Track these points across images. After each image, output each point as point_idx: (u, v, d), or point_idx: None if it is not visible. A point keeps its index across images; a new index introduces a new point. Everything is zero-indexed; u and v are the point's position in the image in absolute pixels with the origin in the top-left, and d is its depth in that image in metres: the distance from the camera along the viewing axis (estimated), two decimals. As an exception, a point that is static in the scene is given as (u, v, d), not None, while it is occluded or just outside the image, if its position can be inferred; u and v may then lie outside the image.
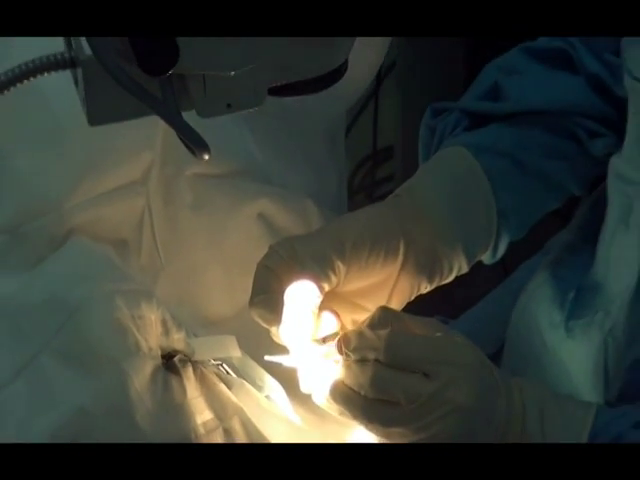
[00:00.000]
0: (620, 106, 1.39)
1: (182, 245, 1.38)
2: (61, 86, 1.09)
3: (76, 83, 1.04)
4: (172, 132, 1.18)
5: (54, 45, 1.07)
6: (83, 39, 1.00)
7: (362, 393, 1.14)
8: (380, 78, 1.89)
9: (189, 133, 1.01)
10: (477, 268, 1.42)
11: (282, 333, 1.22)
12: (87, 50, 0.99)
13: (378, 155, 2.28)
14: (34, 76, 1.02)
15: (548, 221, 1.51)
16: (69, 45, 1.04)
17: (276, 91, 1.08)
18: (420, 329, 1.22)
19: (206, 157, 1.03)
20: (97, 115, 1.04)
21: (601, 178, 1.46)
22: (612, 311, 1.34)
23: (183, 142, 1.03)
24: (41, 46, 1.07)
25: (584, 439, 1.18)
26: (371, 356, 1.15)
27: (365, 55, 1.36)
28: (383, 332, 1.16)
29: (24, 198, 1.34)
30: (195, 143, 1.01)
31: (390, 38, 1.57)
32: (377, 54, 1.53)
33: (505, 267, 1.52)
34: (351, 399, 1.16)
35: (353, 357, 1.16)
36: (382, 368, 1.15)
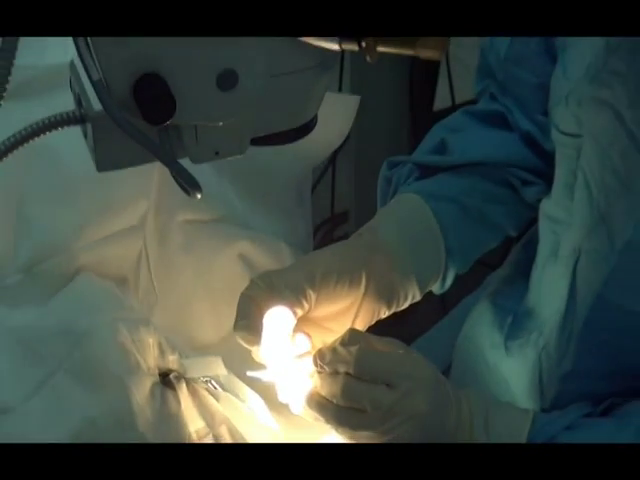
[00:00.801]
0: (548, 158, 1.46)
1: (174, 281, 1.44)
2: (70, 142, 1.15)
3: (85, 136, 1.11)
4: (165, 183, 1.27)
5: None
6: (93, 98, 1.06)
7: (334, 401, 1.23)
8: (336, 150, 1.91)
9: (184, 174, 1.06)
10: (419, 304, 1.48)
11: (262, 353, 1.30)
12: (96, 107, 1.06)
13: (335, 218, 2.34)
14: (49, 131, 1.09)
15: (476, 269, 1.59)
16: (79, 104, 1.11)
17: (257, 141, 1.16)
18: (384, 347, 1.29)
19: (199, 196, 1.08)
20: (104, 162, 1.11)
21: (532, 221, 1.54)
22: (544, 332, 1.40)
23: (178, 183, 1.09)
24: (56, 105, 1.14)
25: (523, 440, 1.26)
26: (342, 369, 1.23)
27: (333, 122, 1.40)
28: (353, 349, 1.24)
29: (38, 241, 1.39)
30: (189, 183, 1.07)
31: (356, 111, 1.61)
32: (343, 124, 1.58)
33: (444, 305, 1.60)
34: (325, 407, 1.24)
35: (327, 370, 1.24)
36: (351, 380, 1.22)
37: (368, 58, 1.09)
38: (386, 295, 1.40)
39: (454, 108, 1.84)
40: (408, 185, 1.51)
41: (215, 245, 1.49)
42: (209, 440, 1.32)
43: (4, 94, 0.97)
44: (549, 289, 1.43)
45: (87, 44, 1.05)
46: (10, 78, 0.96)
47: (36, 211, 1.43)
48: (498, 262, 1.65)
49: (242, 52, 1.07)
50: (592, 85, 1.31)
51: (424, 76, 2.26)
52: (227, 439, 1.32)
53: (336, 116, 1.38)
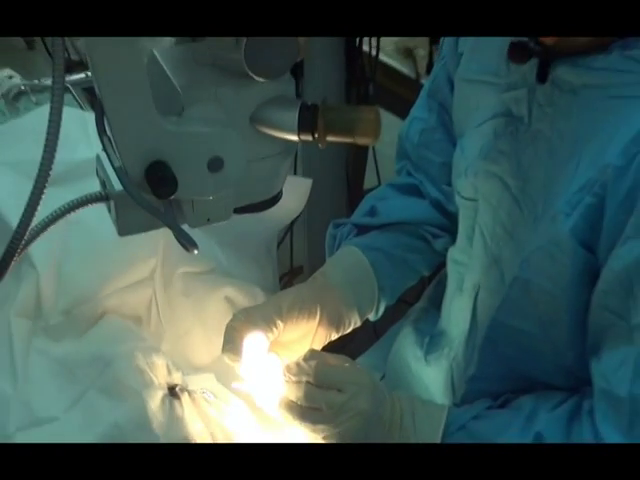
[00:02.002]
0: (452, 218, 1.47)
1: (177, 318, 1.42)
2: (97, 214, 1.13)
3: (109, 210, 1.10)
4: (169, 244, 1.27)
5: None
6: (115, 181, 1.06)
7: (299, 403, 1.22)
8: (293, 221, 1.91)
9: (184, 235, 1.05)
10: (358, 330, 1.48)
11: (242, 369, 1.29)
12: (117, 187, 1.06)
13: (294, 270, 2.34)
14: (82, 207, 1.09)
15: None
16: (104, 186, 1.11)
17: (237, 210, 1.15)
18: (335, 361, 1.28)
19: (195, 252, 1.06)
20: (124, 229, 1.10)
21: (440, 265, 1.55)
22: (454, 347, 1.41)
23: (180, 242, 1.06)
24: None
25: (441, 429, 1.25)
26: (304, 379, 1.23)
27: (293, 197, 1.39)
28: (312, 363, 1.24)
29: (73, 292, 1.37)
30: (188, 242, 1.05)
31: (309, 191, 1.61)
32: (300, 199, 1.58)
33: (376, 331, 1.60)
34: (292, 407, 1.23)
35: (293, 379, 1.24)
36: (311, 387, 1.22)
37: (320, 145, 1.09)
38: (335, 322, 1.40)
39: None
40: (349, 240, 1.52)
41: (207, 290, 1.47)
42: (207, 438, 1.30)
43: (47, 183, 0.96)
44: (456, 315, 1.43)
45: (110, 141, 1.04)
46: (51, 172, 0.94)
47: (71, 268, 1.41)
48: (416, 296, 1.62)
49: (226, 143, 1.06)
50: (484, 161, 1.32)
51: (356, 163, 2.28)
52: (219, 436, 1.31)
53: (295, 193, 1.38)
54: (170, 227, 1.07)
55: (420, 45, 2.53)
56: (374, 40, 2.15)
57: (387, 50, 2.46)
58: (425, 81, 2.10)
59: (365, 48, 2.17)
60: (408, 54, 2.54)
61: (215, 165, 1.07)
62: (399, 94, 2.40)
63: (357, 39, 2.11)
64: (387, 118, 2.33)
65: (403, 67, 2.49)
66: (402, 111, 2.27)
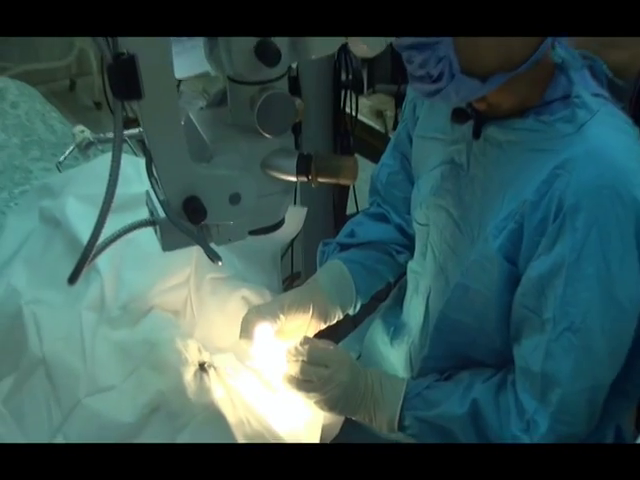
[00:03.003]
0: (411, 238, 1.47)
1: (206, 312, 1.42)
2: (147, 234, 1.11)
3: (155, 232, 1.09)
4: (200, 256, 1.27)
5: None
6: (160, 211, 1.06)
7: (297, 377, 1.24)
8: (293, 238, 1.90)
9: (211, 251, 1.05)
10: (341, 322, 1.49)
11: (254, 351, 1.32)
12: (161, 215, 1.06)
13: (293, 275, 2.33)
14: (135, 229, 1.09)
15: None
16: (151, 214, 1.10)
17: (251, 232, 1.16)
18: (323, 345, 1.29)
19: (220, 263, 1.06)
20: (167, 246, 1.10)
21: (402, 274, 1.53)
22: (412, 335, 1.42)
23: (208, 256, 1.06)
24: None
25: (402, 396, 1.27)
26: (300, 359, 1.24)
27: (292, 222, 1.38)
28: (306, 347, 1.26)
29: (129, 292, 1.37)
30: (214, 256, 1.05)
31: (305, 217, 1.57)
32: (298, 222, 1.55)
33: (354, 322, 1.59)
34: (292, 380, 1.25)
35: (292, 359, 1.25)
36: (305, 364, 1.24)
37: (313, 185, 1.10)
38: (324, 316, 1.40)
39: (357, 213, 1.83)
40: (334, 255, 1.51)
41: (228, 291, 1.46)
42: (227, 402, 1.27)
43: (109, 211, 0.96)
44: (414, 311, 1.43)
45: (156, 180, 1.05)
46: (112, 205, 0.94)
47: (127, 274, 1.41)
48: (384, 296, 1.61)
49: (243, 183, 1.07)
50: (434, 197, 1.32)
51: (340, 195, 2.27)
52: (237, 401, 1.27)
53: (294, 218, 1.38)
54: (201, 245, 1.07)
55: (388, 108, 2.53)
56: (354, 103, 2.16)
57: (364, 111, 2.47)
58: (392, 135, 2.11)
59: (347, 109, 2.18)
60: (379, 114, 2.54)
61: (235, 199, 1.07)
62: (372, 145, 2.41)
63: (341, 103, 2.12)
64: (363, 162, 2.34)
65: (375, 124, 2.49)
66: (375, 157, 2.28)
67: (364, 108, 2.47)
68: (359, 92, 2.06)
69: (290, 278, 2.32)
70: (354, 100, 2.11)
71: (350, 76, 2.09)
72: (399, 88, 2.42)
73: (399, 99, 2.43)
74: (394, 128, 2.45)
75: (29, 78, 3.97)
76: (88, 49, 4.14)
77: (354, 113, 2.11)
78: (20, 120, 2.11)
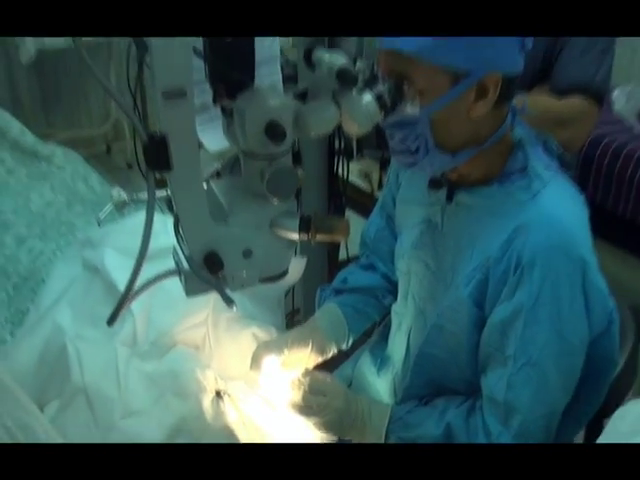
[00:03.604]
0: (395, 285, 1.44)
1: (221, 347, 1.41)
2: (174, 283, 1.11)
3: (181, 280, 1.08)
4: (217, 301, 1.26)
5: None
6: (185, 263, 1.06)
7: (299, 403, 1.24)
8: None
9: (226, 297, 1.06)
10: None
11: (262, 380, 1.32)
12: (186, 267, 1.06)
13: (294, 311, 2.31)
14: (164, 279, 1.11)
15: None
16: (177, 265, 1.09)
17: (260, 280, 1.13)
18: (321, 376, 1.29)
19: (235, 309, 1.09)
20: (190, 292, 1.08)
21: (387, 313, 1.50)
22: (396, 366, 1.40)
23: (223, 300, 1.07)
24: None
25: (387, 420, 1.25)
26: (302, 388, 1.24)
27: (294, 270, 1.33)
28: (307, 378, 1.26)
29: (157, 330, 1.38)
30: (229, 301, 1.07)
31: (305, 265, 1.58)
32: (299, 270, 1.55)
33: (347, 354, 1.57)
34: (295, 406, 1.24)
35: (296, 388, 1.25)
36: (306, 393, 1.24)
37: (312, 242, 1.10)
38: (321, 351, 1.39)
39: (349, 261, 1.82)
40: (330, 299, 1.49)
41: (241, 329, 1.45)
42: (240, 424, 1.27)
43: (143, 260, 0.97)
44: (397, 346, 1.41)
45: (181, 237, 1.05)
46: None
47: (156, 315, 1.41)
48: (371, 333, 1.60)
49: (255, 240, 1.08)
50: (414, 250, 1.32)
51: (333, 244, 2.26)
52: (248, 424, 1.28)
53: (296, 266, 1.37)
54: (218, 291, 1.08)
55: (374, 170, 2.54)
56: (345, 167, 2.16)
57: (353, 173, 2.46)
58: (377, 193, 2.13)
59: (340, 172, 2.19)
60: (366, 176, 2.55)
61: (247, 254, 1.08)
62: (361, 202, 2.41)
63: (335, 167, 2.12)
64: (353, 217, 2.36)
65: (363, 184, 2.50)
66: (363, 212, 2.30)
67: (354, 171, 2.48)
68: (350, 158, 2.07)
69: (291, 313, 2.30)
70: (345, 165, 2.11)
71: (342, 145, 2.10)
72: (383, 154, 2.44)
73: (383, 163, 2.45)
74: (379, 187, 2.46)
75: (72, 143, 4.00)
76: (122, 119, 4.17)
77: (345, 176, 2.11)
78: (65, 181, 2.12)
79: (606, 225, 2.49)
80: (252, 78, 1.04)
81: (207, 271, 1.05)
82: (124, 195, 1.86)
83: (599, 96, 1.58)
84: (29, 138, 2.26)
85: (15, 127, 2.27)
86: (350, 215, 2.32)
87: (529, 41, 1.09)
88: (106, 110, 4.29)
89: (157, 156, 0.94)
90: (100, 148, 4.34)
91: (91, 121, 4.30)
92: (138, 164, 0.82)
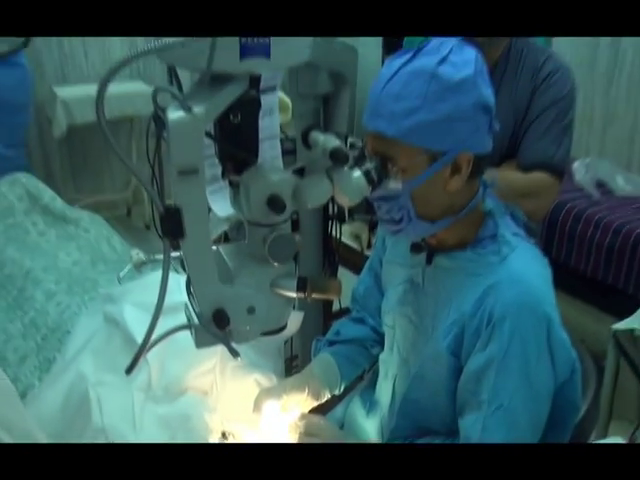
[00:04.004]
0: (382, 336, 1.41)
1: (227, 392, 1.39)
2: (186, 336, 1.10)
3: (191, 333, 1.08)
4: (224, 352, 1.20)
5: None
6: (195, 319, 1.05)
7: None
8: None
9: (232, 349, 1.07)
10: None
11: (263, 422, 1.29)
12: (196, 322, 1.06)
13: (292, 357, 2.29)
14: (176, 332, 1.09)
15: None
16: (189, 320, 1.09)
17: (262, 334, 1.14)
18: (315, 419, 1.27)
19: (239, 358, 1.09)
20: (200, 344, 1.09)
21: (375, 362, 1.48)
22: (383, 410, 1.38)
23: (229, 351, 1.08)
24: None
25: None
26: (299, 430, 1.23)
27: (291, 325, 1.30)
28: (303, 421, 1.24)
29: (170, 377, 1.37)
30: (234, 352, 1.08)
31: (302, 318, 1.56)
32: (296, 324, 1.53)
33: (340, 397, 1.55)
34: None
35: (293, 431, 1.23)
36: (302, 435, 1.22)
37: (308, 300, 1.11)
38: (316, 396, 1.36)
39: (342, 312, 1.81)
40: (324, 349, 1.48)
41: (244, 376, 1.44)
42: None
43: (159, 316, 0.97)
44: (384, 391, 1.40)
45: (192, 296, 1.06)
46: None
47: (169, 363, 1.40)
48: (361, 379, 1.56)
49: (257, 299, 1.08)
50: (399, 306, 1.32)
51: (326, 302, 2.23)
52: None
53: (294, 320, 1.37)
54: (224, 344, 1.08)
55: (363, 232, 2.57)
56: (338, 230, 2.17)
57: (345, 235, 2.47)
58: (367, 252, 2.13)
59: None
60: (357, 237, 2.58)
61: (251, 310, 1.08)
62: (352, 260, 2.43)
63: (329, 229, 2.13)
64: (345, 273, 2.36)
65: (354, 244, 2.52)
66: (354, 269, 2.32)
67: (345, 233, 2.49)
68: (342, 221, 2.08)
69: (290, 359, 2.28)
70: (338, 227, 2.12)
71: (335, 210, 2.11)
72: (371, 218, 2.47)
73: (372, 226, 2.48)
74: (368, 247, 2.49)
75: (97, 206, 4.04)
76: (141, 186, 4.22)
77: (338, 237, 2.12)
78: (90, 242, 2.13)
79: (569, 280, 2.53)
80: (256, 156, 1.06)
81: (215, 326, 1.05)
82: (142, 256, 1.87)
83: (559, 172, 1.61)
84: (59, 203, 2.29)
85: (47, 194, 2.30)
86: (342, 271, 2.31)
87: (496, 124, 1.12)
88: (127, 178, 4.35)
89: (172, 226, 0.95)
90: (121, 211, 4.39)
91: (114, 187, 4.35)
92: (155, 226, 0.84)
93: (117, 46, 4.12)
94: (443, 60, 1.05)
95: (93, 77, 4.05)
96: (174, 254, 1.05)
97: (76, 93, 3.67)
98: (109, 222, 2.48)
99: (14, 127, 3.16)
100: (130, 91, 3.71)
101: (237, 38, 0.87)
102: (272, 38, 0.88)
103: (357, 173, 1.06)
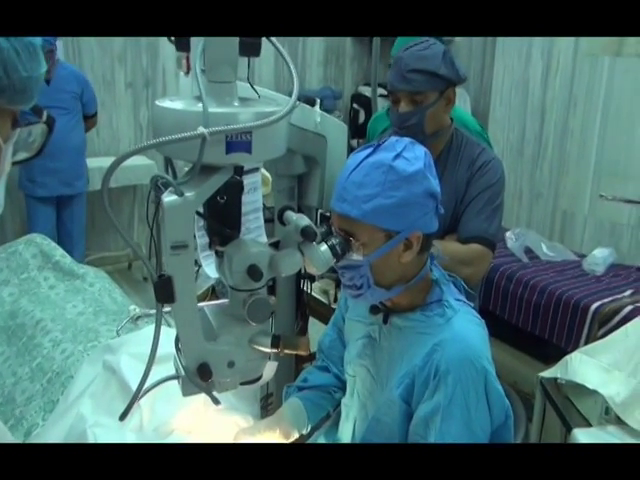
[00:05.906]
0: (344, 383, 1.38)
1: (209, 432, 1.33)
2: (173, 384, 1.08)
3: (179, 382, 1.05)
4: (206, 399, 1.14)
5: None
6: (181, 370, 1.02)
7: None
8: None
9: (213, 397, 1.06)
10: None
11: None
12: (182, 374, 1.03)
13: (267, 395, 2.23)
14: (166, 381, 1.07)
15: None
16: (177, 371, 1.06)
17: (241, 384, 1.10)
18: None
19: (220, 405, 1.08)
20: (186, 392, 1.06)
21: (337, 405, 1.42)
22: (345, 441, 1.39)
23: (211, 399, 1.07)
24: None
25: None
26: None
27: (268, 371, 1.20)
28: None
29: (159, 419, 1.31)
30: (215, 400, 1.06)
31: (275, 369, 1.54)
32: (270, 373, 1.43)
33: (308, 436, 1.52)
34: None
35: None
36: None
37: (281, 354, 1.09)
38: (286, 436, 1.32)
39: (311, 356, 1.75)
40: (294, 394, 1.44)
41: (224, 418, 1.38)
42: None
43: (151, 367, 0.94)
44: (345, 431, 1.37)
45: (179, 350, 1.04)
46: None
47: (158, 407, 1.35)
48: (326, 420, 1.52)
49: (236, 354, 1.06)
50: (358, 359, 1.30)
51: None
52: None
53: (269, 369, 1.30)
54: (207, 394, 1.06)
55: (331, 288, 2.55)
56: (309, 286, 2.16)
57: (315, 290, 2.50)
58: (334, 305, 2.12)
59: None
60: (325, 292, 2.57)
61: (231, 364, 1.06)
62: (320, 311, 2.42)
63: (301, 285, 2.11)
64: (315, 322, 2.35)
65: (323, 299, 2.52)
66: (322, 319, 2.30)
67: (315, 288, 2.50)
68: (312, 280, 2.08)
69: (266, 397, 2.24)
70: (309, 284, 2.11)
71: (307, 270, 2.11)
72: (337, 276, 2.45)
73: (338, 283, 2.47)
74: (334, 301, 2.47)
75: (102, 260, 4.01)
76: (141, 244, 4.20)
77: (309, 292, 2.12)
78: (94, 295, 2.09)
79: (504, 331, 2.55)
80: (238, 231, 1.06)
81: (199, 378, 1.03)
82: (139, 310, 1.84)
83: (492, 243, 1.64)
84: (68, 260, 2.25)
85: (58, 252, 2.27)
86: (313, 321, 2.31)
87: (441, 208, 1.14)
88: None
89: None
90: (123, 265, 4.38)
91: (117, 245, 4.35)
92: (152, 278, 0.83)
93: (124, 128, 4.20)
94: (398, 155, 1.08)
95: (104, 151, 4.17)
96: (166, 309, 1.04)
97: (89, 165, 3.70)
98: (112, 275, 2.44)
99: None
100: (134, 164, 3.77)
101: (224, 136, 0.87)
102: (253, 137, 0.88)
103: (324, 247, 1.08)
